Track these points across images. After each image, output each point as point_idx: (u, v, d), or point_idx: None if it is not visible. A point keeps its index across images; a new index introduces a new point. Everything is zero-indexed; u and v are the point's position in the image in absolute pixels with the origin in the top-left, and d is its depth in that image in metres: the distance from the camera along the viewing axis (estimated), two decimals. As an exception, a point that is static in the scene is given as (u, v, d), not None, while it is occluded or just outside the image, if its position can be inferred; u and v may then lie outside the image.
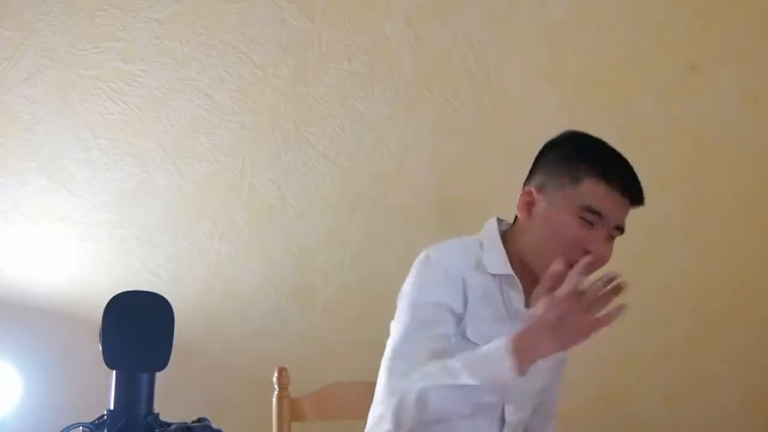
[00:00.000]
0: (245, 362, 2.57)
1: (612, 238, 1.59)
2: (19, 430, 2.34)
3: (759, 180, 2.73)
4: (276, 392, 1.96)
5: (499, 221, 1.70)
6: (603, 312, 1.38)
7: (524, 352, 1.39)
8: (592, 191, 1.56)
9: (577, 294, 1.37)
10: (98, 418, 1.07)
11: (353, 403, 1.91)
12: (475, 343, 1.55)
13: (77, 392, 2.41)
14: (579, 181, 1.57)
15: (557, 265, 1.43)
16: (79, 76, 2.58)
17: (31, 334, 2.50)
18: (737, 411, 2.65)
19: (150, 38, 2.60)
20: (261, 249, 2.61)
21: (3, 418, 2.31)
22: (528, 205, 1.62)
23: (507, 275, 1.62)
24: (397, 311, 1.63)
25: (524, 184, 1.66)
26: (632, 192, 1.58)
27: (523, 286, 1.63)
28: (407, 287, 1.62)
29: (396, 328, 1.59)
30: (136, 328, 1.07)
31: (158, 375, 1.08)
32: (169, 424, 1.07)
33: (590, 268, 1.44)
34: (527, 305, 1.63)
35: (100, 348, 1.06)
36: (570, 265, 1.43)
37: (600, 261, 1.54)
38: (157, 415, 1.07)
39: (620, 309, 1.36)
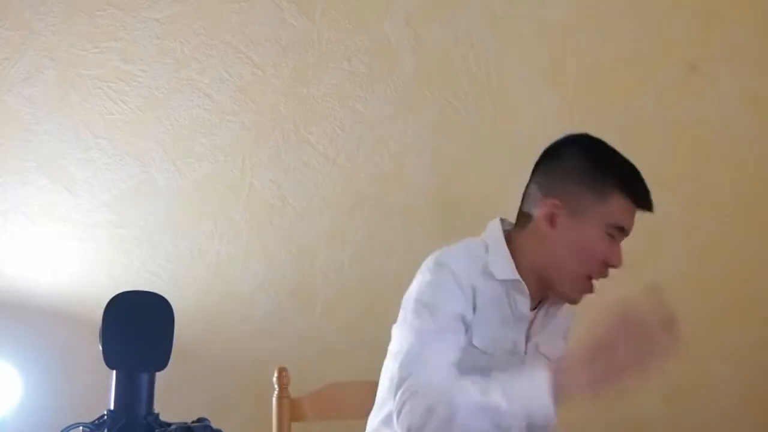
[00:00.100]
0: (245, 362, 2.56)
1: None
2: (19, 430, 2.34)
3: (759, 180, 2.72)
4: (276, 392, 1.96)
5: (502, 221, 1.70)
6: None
7: (560, 390, 1.41)
8: (621, 210, 1.60)
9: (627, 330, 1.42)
10: (98, 418, 1.06)
11: (353, 403, 1.91)
12: (480, 350, 1.58)
13: (77, 392, 2.41)
14: (606, 198, 1.60)
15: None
16: (79, 76, 2.58)
17: (31, 334, 2.50)
18: (737, 411, 2.65)
19: (150, 38, 2.60)
20: (261, 249, 2.61)
21: (3, 418, 2.31)
22: (553, 216, 1.62)
23: (514, 280, 1.63)
24: (403, 314, 1.61)
25: (538, 188, 1.65)
26: (649, 205, 1.62)
27: (528, 288, 1.63)
28: (419, 292, 1.59)
29: (406, 331, 1.57)
30: (136, 328, 1.07)
31: (158, 375, 1.08)
32: (169, 424, 1.07)
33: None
34: (533, 308, 1.66)
35: (100, 348, 1.06)
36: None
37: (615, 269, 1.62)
38: (157, 415, 1.07)
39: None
